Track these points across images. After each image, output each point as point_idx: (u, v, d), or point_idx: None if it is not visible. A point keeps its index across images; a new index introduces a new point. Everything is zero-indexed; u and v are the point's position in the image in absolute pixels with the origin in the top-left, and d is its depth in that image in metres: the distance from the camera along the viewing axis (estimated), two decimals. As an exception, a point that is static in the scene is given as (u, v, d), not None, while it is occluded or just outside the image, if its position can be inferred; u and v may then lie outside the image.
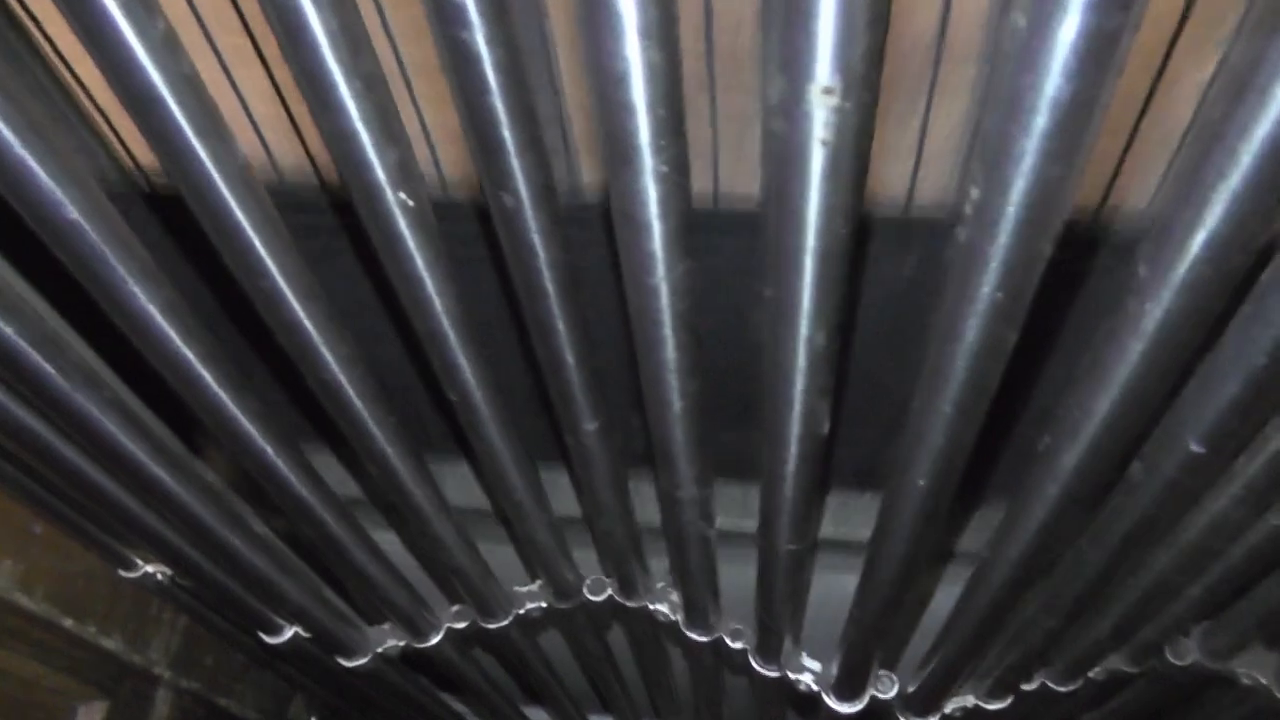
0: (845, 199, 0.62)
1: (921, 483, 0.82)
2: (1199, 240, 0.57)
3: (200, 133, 0.72)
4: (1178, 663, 1.48)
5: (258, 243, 0.81)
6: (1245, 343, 0.69)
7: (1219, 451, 0.81)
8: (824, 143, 0.59)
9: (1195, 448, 0.80)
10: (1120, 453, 0.78)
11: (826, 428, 0.85)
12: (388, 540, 1.75)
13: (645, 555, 1.42)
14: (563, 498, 1.47)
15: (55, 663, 1.61)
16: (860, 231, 0.67)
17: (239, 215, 0.78)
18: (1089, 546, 1.03)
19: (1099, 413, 0.72)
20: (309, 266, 0.89)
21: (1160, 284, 0.61)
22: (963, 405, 0.72)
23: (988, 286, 0.60)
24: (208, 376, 0.95)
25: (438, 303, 0.89)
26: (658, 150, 0.67)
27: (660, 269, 0.76)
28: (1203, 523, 1.01)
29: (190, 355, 0.92)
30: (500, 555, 1.60)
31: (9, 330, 0.85)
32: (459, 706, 2.61)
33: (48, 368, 0.91)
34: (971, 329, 0.64)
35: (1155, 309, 0.62)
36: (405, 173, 0.79)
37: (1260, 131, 0.52)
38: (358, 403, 1.00)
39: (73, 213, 0.74)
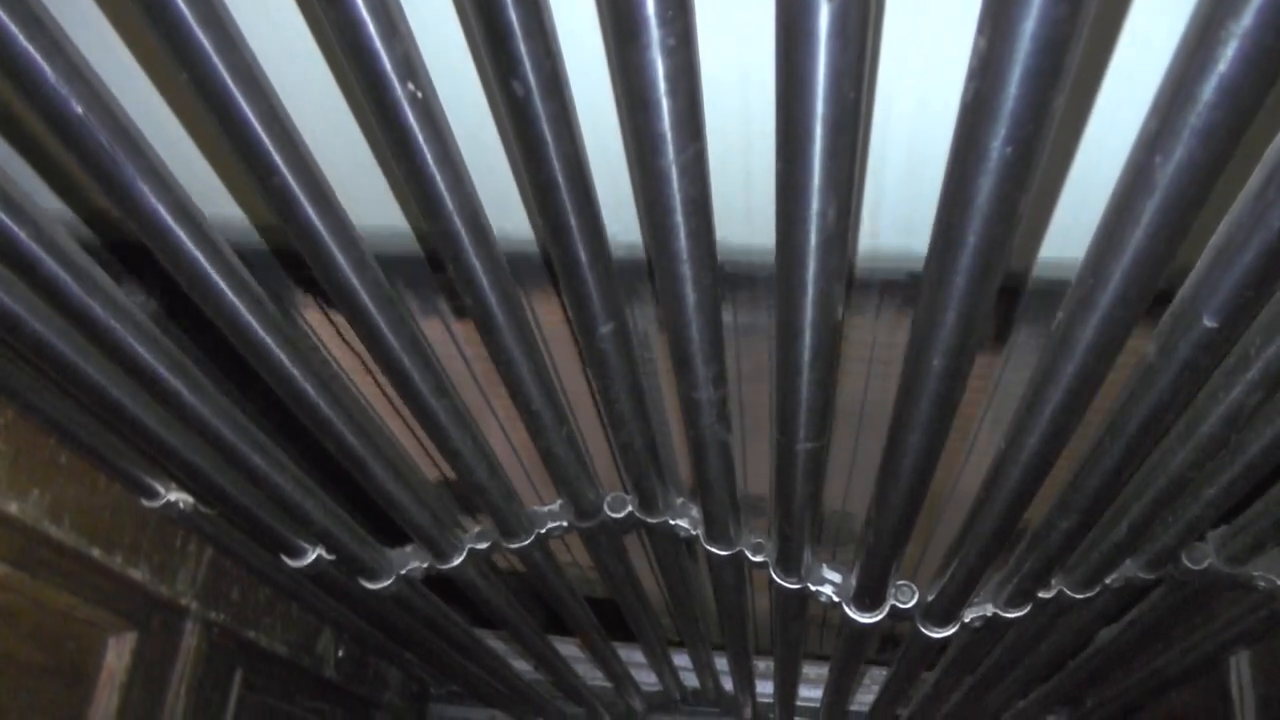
0: (853, 60, 0.61)
1: (937, 362, 0.82)
2: (1210, 86, 0.57)
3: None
4: (1194, 567, 1.49)
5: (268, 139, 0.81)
6: (1261, 208, 0.69)
7: (1234, 326, 0.81)
8: (830, -1, 0.58)
9: (1209, 322, 0.79)
10: (1133, 323, 0.77)
11: (841, 313, 0.85)
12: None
13: (664, 468, 1.42)
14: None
15: (86, 594, 1.63)
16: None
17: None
18: (1106, 438, 1.03)
19: (1112, 280, 0.72)
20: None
21: (1171, 135, 0.60)
22: (975, 274, 0.71)
23: (996, 140, 0.59)
24: (223, 284, 0.96)
25: (449, 201, 0.89)
26: (665, 22, 0.67)
27: (670, 150, 0.75)
28: (1218, 413, 1.01)
29: (206, 262, 0.93)
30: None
31: (22, 234, 0.86)
32: (493, 644, 2.64)
33: (64, 275, 0.92)
34: (981, 190, 0.63)
35: (1166, 163, 0.61)
36: (411, 66, 0.79)
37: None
38: (371, 305, 1.01)
39: (78, 107, 0.74)
